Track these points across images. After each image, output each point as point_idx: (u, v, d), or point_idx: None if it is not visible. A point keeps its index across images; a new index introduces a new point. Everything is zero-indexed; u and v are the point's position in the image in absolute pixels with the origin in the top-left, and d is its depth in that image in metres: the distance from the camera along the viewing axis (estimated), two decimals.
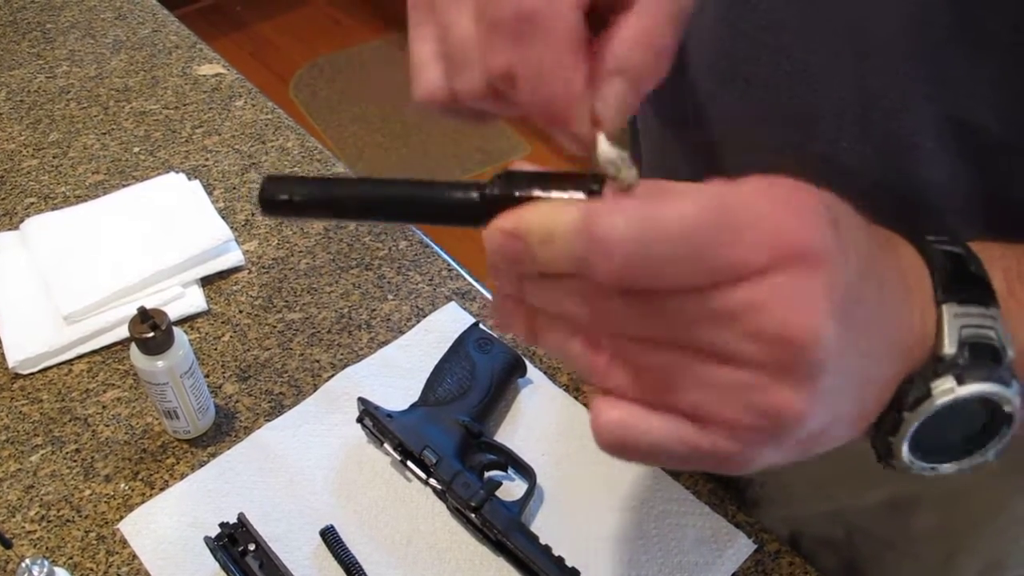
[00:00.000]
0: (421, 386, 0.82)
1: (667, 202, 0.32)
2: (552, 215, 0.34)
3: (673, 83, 0.64)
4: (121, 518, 0.77)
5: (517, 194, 0.36)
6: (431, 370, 0.83)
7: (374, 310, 0.94)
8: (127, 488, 0.80)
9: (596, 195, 0.35)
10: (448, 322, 0.90)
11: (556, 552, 0.71)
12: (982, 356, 0.38)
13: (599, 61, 0.38)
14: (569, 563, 0.70)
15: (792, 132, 0.55)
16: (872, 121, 0.51)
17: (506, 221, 0.35)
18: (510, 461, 0.78)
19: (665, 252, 0.31)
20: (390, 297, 0.95)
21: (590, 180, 0.36)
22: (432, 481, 0.75)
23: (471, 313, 0.92)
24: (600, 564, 0.73)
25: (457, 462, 0.75)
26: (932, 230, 0.49)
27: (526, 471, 0.77)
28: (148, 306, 0.91)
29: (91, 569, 0.74)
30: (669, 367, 0.34)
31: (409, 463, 0.77)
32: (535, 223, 0.34)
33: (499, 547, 0.73)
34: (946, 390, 0.38)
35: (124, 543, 0.76)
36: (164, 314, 0.76)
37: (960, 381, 0.38)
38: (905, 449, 0.40)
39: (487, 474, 0.77)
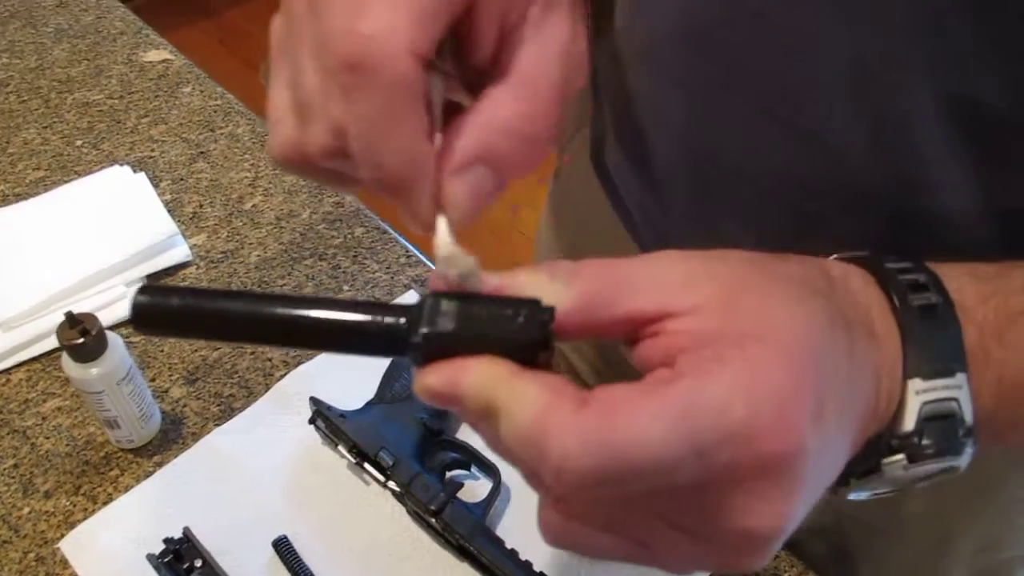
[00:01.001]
0: (375, 386, 0.77)
1: (628, 422, 0.29)
2: (493, 393, 0.31)
3: (633, 44, 0.58)
4: (62, 536, 0.72)
5: (449, 338, 0.32)
6: (387, 365, 0.78)
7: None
8: (68, 504, 0.75)
9: (545, 332, 0.31)
10: None
11: (523, 556, 0.66)
12: (940, 431, 0.36)
13: (460, 134, 0.33)
14: (537, 567, 0.66)
15: (775, 105, 0.49)
16: (866, 96, 0.46)
17: (437, 380, 0.32)
18: (473, 459, 0.73)
19: (626, 477, 0.29)
20: (345, 288, 0.90)
21: (537, 312, 0.31)
22: (391, 483, 0.70)
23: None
24: (569, 567, 0.68)
25: (416, 463, 0.70)
26: (925, 212, 0.45)
27: (490, 469, 0.72)
28: (90, 307, 0.86)
29: None
30: (625, 519, 0.33)
31: (366, 465, 0.72)
32: (472, 396, 0.31)
33: (463, 552, 0.68)
34: (896, 465, 0.36)
35: (65, 563, 0.71)
36: (95, 318, 0.71)
37: (912, 460, 0.36)
38: (851, 495, 0.39)
39: (449, 474, 0.73)
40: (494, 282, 0.33)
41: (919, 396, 0.35)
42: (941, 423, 0.35)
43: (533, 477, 0.33)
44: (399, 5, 0.31)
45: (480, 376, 0.31)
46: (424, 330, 0.31)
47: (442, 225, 0.33)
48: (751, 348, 0.30)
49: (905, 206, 0.48)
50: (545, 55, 0.34)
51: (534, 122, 0.33)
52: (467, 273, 0.32)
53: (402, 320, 0.32)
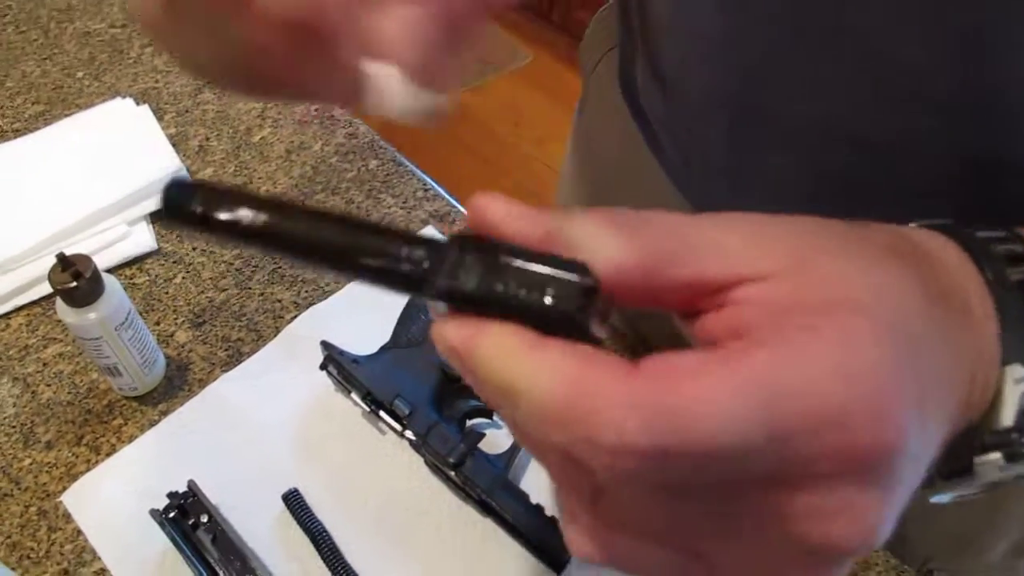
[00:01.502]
0: (393, 325, 0.72)
1: (698, 394, 0.23)
2: (507, 367, 0.24)
3: None
4: (64, 489, 0.68)
5: (472, 293, 0.26)
6: (404, 304, 0.73)
7: None
8: (70, 455, 0.71)
9: (588, 301, 0.25)
10: None
11: (549, 512, 0.61)
12: None
13: None
14: None
15: (838, 17, 0.43)
16: (949, 12, 0.39)
17: (455, 334, 0.26)
18: None
19: (697, 462, 0.23)
20: None
21: (578, 280, 0.25)
22: (407, 432, 0.65)
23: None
24: None
25: (433, 411, 0.65)
26: (1008, 152, 0.39)
27: None
28: (91, 247, 0.82)
29: (31, 548, 0.66)
30: (677, 524, 0.27)
31: (381, 413, 0.67)
32: (484, 366, 0.25)
33: (484, 507, 0.63)
34: (991, 465, 0.31)
35: (67, 517, 0.67)
36: (88, 260, 0.66)
37: (1011, 459, 0.30)
38: (933, 499, 0.34)
39: (469, 423, 0.68)
40: (544, 226, 0.27)
41: (1019, 385, 0.30)
42: None
43: (565, 471, 0.27)
44: None
45: (493, 345, 0.25)
46: (441, 283, 0.26)
47: (382, 69, 0.28)
48: (843, 318, 0.24)
49: (985, 145, 0.42)
50: None
51: None
52: (433, 111, 0.27)
53: (422, 266, 0.26)
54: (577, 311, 0.25)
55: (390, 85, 0.27)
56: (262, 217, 0.27)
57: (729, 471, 0.23)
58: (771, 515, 0.25)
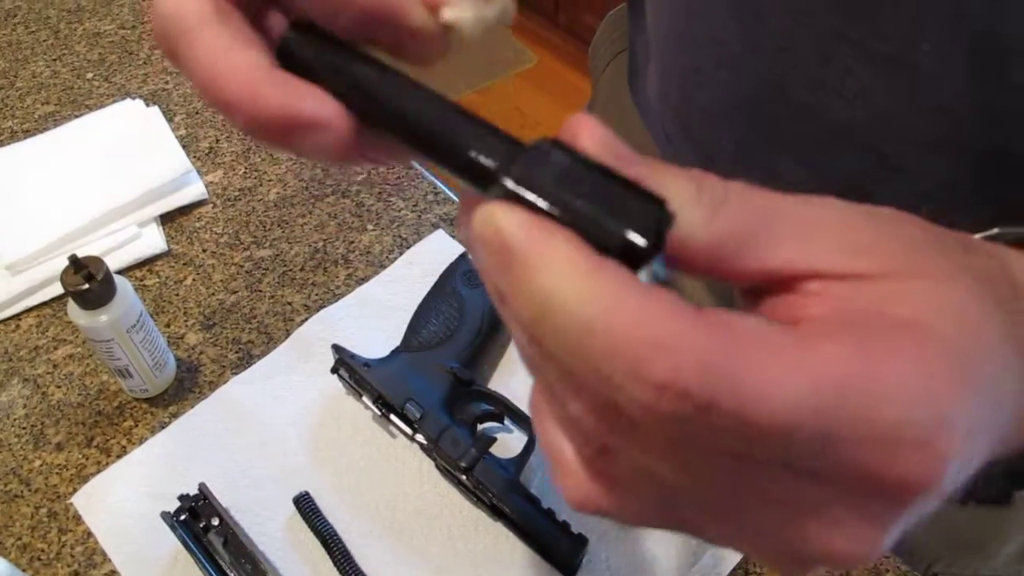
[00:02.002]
0: (404, 326, 0.72)
1: (766, 362, 0.22)
2: (574, 276, 0.22)
3: None
4: (74, 491, 0.68)
5: (542, 205, 0.24)
6: (415, 308, 0.73)
7: (352, 242, 0.83)
8: (81, 456, 0.71)
9: (659, 240, 0.24)
10: (434, 253, 0.80)
11: (560, 516, 0.61)
12: None
13: None
14: (575, 528, 0.61)
15: (850, 27, 0.43)
16: (966, 12, 0.39)
17: (514, 223, 0.24)
18: (506, 411, 0.68)
19: (733, 431, 0.22)
20: (370, 227, 0.84)
21: (655, 211, 0.24)
22: (418, 436, 0.65)
23: (460, 241, 0.81)
24: (610, 527, 0.64)
25: (445, 415, 0.65)
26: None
27: (524, 421, 0.67)
28: (101, 249, 0.82)
29: (42, 550, 0.66)
30: (686, 494, 0.26)
31: (392, 417, 0.67)
32: (544, 274, 0.23)
33: (496, 511, 0.63)
34: None
35: (78, 519, 0.67)
36: (101, 262, 0.66)
37: None
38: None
39: (480, 427, 0.68)
40: (631, 167, 0.25)
41: None
42: None
43: (578, 411, 0.25)
44: None
45: (557, 249, 0.23)
46: (516, 171, 0.24)
47: (451, 11, 0.29)
48: (922, 340, 0.23)
49: (999, 147, 0.42)
50: None
51: None
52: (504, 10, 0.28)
53: (497, 156, 0.26)
54: (647, 245, 0.23)
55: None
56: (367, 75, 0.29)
57: (763, 450, 0.23)
58: (781, 507, 0.24)
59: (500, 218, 0.24)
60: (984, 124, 0.42)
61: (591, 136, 0.25)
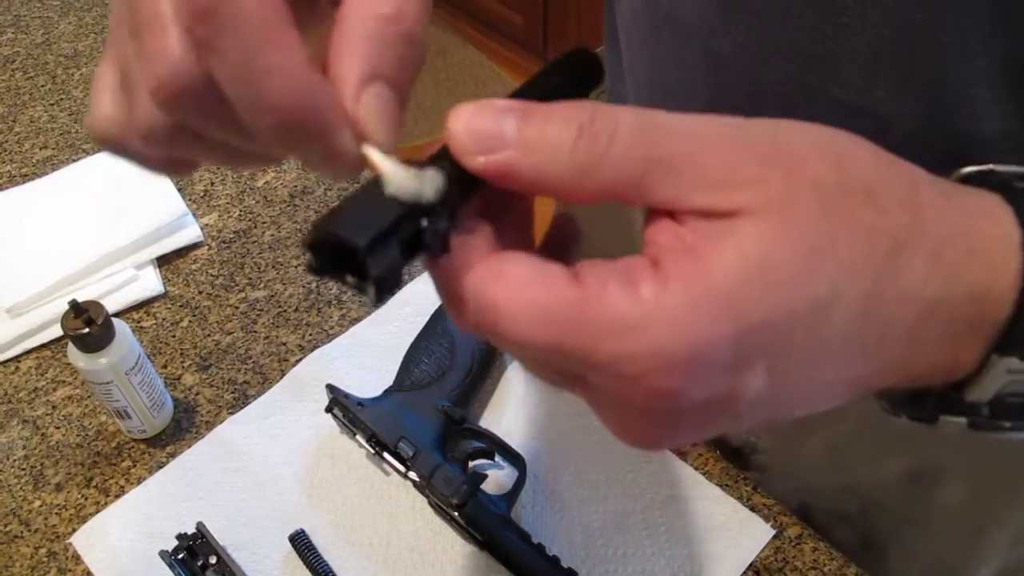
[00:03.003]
0: (397, 366, 0.74)
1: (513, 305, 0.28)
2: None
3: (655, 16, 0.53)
4: (74, 531, 0.70)
5: None
6: (407, 348, 0.75)
7: None
8: (80, 497, 0.72)
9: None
10: (424, 294, 0.82)
11: (551, 551, 0.63)
12: (1012, 411, 0.31)
13: (342, 57, 0.29)
14: (565, 562, 0.62)
15: (810, 74, 0.45)
16: (916, 65, 0.41)
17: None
18: (497, 448, 0.70)
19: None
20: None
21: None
22: (411, 474, 0.67)
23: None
24: (600, 561, 0.65)
25: (437, 453, 0.67)
26: None
27: (515, 459, 0.69)
28: (99, 292, 0.84)
29: None
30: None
31: (385, 455, 0.69)
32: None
33: (488, 546, 0.65)
34: (954, 425, 0.33)
35: (77, 559, 0.68)
36: (100, 306, 0.68)
37: (975, 427, 0.32)
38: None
39: (472, 464, 0.69)
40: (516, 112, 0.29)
41: (1011, 376, 0.31)
42: (1016, 404, 0.31)
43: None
44: None
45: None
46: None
47: (375, 154, 0.29)
48: (692, 282, 0.27)
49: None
50: None
51: (401, 19, 0.29)
52: (438, 187, 0.29)
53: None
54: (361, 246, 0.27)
55: (386, 166, 0.29)
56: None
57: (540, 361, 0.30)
58: (591, 403, 0.31)
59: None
60: (936, 170, 0.44)
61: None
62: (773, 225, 0.27)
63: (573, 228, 0.35)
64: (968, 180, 0.33)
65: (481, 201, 0.31)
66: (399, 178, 0.28)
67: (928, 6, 0.39)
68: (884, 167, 0.30)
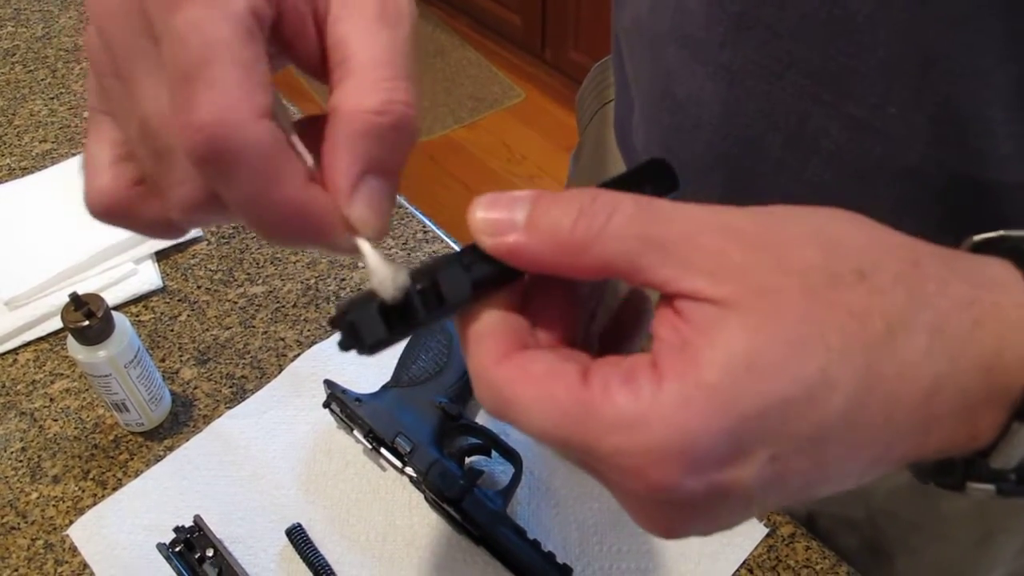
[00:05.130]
0: (394, 363, 0.74)
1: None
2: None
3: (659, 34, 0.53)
4: (71, 523, 0.70)
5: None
6: (405, 344, 0.76)
7: (343, 280, 0.86)
8: (77, 489, 0.72)
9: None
10: None
11: (546, 547, 0.63)
12: None
13: (335, 154, 0.30)
14: (561, 558, 0.63)
15: (823, 91, 0.45)
16: (929, 84, 0.41)
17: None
18: (493, 444, 0.70)
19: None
20: (360, 265, 0.86)
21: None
22: (408, 469, 0.67)
23: None
24: (595, 558, 0.66)
25: (434, 449, 0.67)
26: (990, 213, 0.40)
27: (511, 455, 0.69)
28: (98, 285, 0.84)
29: None
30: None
31: (382, 450, 0.69)
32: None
33: (483, 542, 0.65)
34: (982, 493, 0.32)
35: (74, 551, 0.69)
36: (100, 299, 0.68)
37: (1004, 494, 0.32)
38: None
39: (468, 460, 0.70)
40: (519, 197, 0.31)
41: None
42: None
43: None
44: (223, 77, 0.28)
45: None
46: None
47: (366, 247, 0.31)
48: (685, 376, 0.28)
49: (968, 204, 0.44)
50: (367, 30, 0.31)
51: (391, 110, 0.30)
52: (404, 284, 0.30)
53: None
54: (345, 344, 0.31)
55: (372, 257, 0.31)
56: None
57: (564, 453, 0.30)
58: (611, 492, 0.31)
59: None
60: (948, 186, 0.45)
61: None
62: (758, 317, 0.28)
63: (644, 305, 0.36)
64: (980, 247, 0.33)
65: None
66: (380, 271, 0.30)
67: (941, 27, 0.39)
68: (879, 245, 0.30)
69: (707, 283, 0.28)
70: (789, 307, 0.28)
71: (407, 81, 0.31)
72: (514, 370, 0.30)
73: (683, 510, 0.29)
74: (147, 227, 0.35)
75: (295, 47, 0.32)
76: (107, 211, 0.34)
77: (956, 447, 0.31)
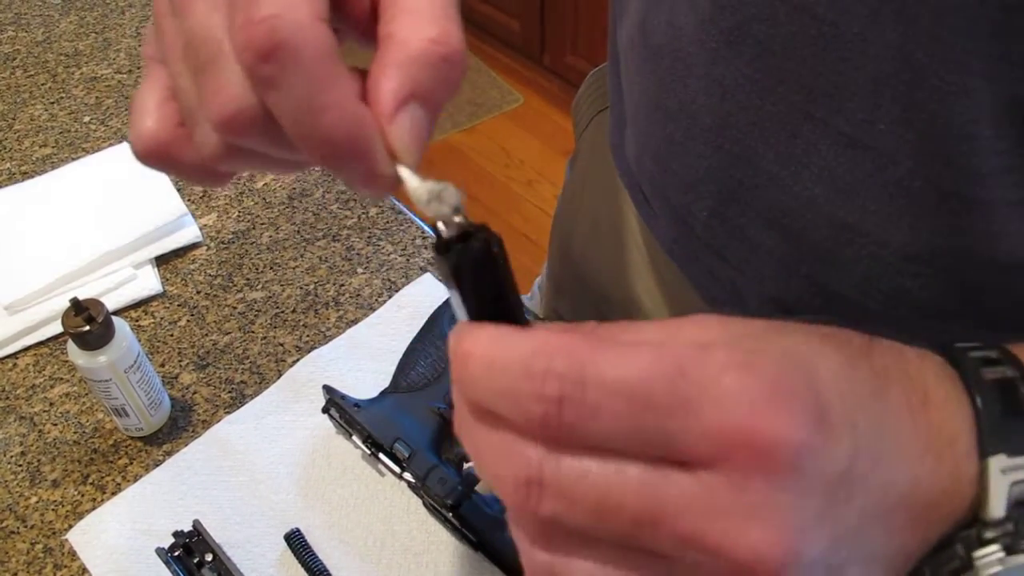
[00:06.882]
0: (393, 368, 0.75)
1: (612, 351, 0.28)
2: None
3: (654, 46, 0.54)
4: (70, 527, 0.70)
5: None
6: (403, 350, 0.76)
7: (342, 285, 0.86)
8: (76, 494, 0.73)
9: None
10: (422, 296, 0.83)
11: None
12: None
13: (383, 78, 0.31)
14: None
15: (814, 106, 0.46)
16: (917, 101, 0.42)
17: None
18: None
19: (600, 403, 0.27)
20: (359, 270, 0.87)
21: None
22: (407, 474, 0.68)
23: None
24: None
25: (432, 455, 0.68)
26: (977, 230, 0.41)
27: None
28: (98, 290, 0.84)
29: None
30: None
31: (381, 455, 0.69)
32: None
33: (481, 548, 0.66)
34: (992, 558, 0.32)
35: (73, 555, 0.69)
36: (101, 304, 0.68)
37: (1011, 551, 0.32)
38: None
39: (466, 466, 0.70)
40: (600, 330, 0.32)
41: (1006, 476, 0.31)
42: None
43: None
44: None
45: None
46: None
47: (405, 172, 0.31)
48: (758, 359, 0.28)
49: (955, 221, 0.45)
50: None
51: (447, 41, 0.31)
52: (457, 204, 0.31)
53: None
54: None
55: (413, 179, 0.31)
56: None
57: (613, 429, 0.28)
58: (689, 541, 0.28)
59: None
60: (937, 202, 0.45)
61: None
62: None
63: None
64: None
65: None
66: (421, 192, 0.30)
67: (929, 45, 0.40)
68: (842, 381, 0.30)
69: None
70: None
71: (459, 28, 0.31)
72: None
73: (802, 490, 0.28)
74: (188, 171, 0.35)
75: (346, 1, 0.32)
76: (150, 153, 0.34)
77: (950, 507, 0.32)
